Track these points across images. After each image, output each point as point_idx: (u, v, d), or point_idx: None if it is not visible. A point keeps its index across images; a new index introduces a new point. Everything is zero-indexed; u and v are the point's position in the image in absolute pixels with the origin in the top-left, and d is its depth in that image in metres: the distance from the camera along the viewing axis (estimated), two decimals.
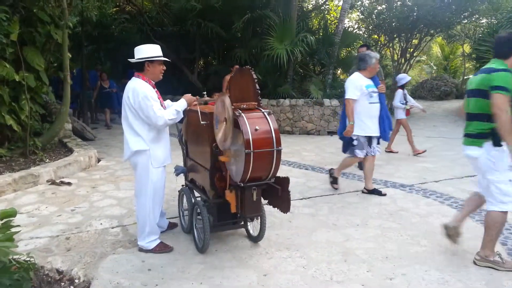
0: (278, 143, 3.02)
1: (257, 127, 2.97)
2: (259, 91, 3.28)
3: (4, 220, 2.33)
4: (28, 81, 6.08)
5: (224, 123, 3.04)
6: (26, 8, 6.16)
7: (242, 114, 3.01)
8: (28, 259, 2.51)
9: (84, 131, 9.22)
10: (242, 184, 3.05)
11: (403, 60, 14.47)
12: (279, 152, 3.03)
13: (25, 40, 6.32)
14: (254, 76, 3.27)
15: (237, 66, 3.43)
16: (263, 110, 3.14)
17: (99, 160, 7.07)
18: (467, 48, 18.82)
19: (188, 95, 3.63)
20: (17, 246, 2.52)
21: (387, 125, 5.44)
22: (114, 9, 14.99)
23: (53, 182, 5.51)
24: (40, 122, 7.22)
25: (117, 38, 13.94)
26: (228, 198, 3.18)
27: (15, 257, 2.54)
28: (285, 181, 3.21)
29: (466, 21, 14.41)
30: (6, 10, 5.45)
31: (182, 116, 3.52)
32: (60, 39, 6.66)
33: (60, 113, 7.02)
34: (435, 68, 23.03)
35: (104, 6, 13.95)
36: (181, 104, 3.51)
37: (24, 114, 6.10)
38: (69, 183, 5.55)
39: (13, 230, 2.37)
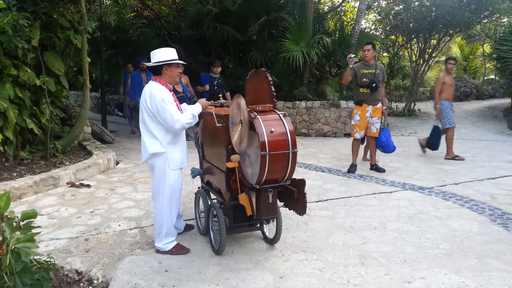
0: (294, 145, 3.01)
1: (272, 129, 2.97)
2: (275, 93, 3.28)
3: (25, 221, 2.38)
4: (49, 86, 6.21)
5: (240, 125, 3.05)
6: (47, 14, 6.29)
7: (258, 116, 3.01)
8: (48, 259, 2.56)
9: (103, 134, 9.36)
10: (257, 186, 3.05)
11: (421, 61, 14.26)
12: (294, 154, 3.03)
13: (45, 45, 6.46)
14: (270, 78, 3.27)
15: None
16: (278, 112, 3.14)
17: (117, 163, 7.16)
18: (487, 48, 18.44)
19: (203, 100, 3.68)
20: (38, 247, 2.57)
21: None
22: (132, 14, 15.23)
23: (72, 185, 5.61)
24: (60, 125, 7.35)
25: (135, 42, 14.11)
26: (242, 202, 3.18)
27: (35, 257, 2.59)
28: (301, 183, 3.20)
29: (486, 20, 14.12)
30: (28, 17, 5.58)
31: (198, 120, 3.55)
32: (80, 44, 6.78)
33: (79, 117, 7.14)
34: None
35: (122, 11, 14.19)
36: (197, 108, 3.54)
37: (45, 118, 6.23)
38: (88, 185, 5.64)
39: (33, 231, 2.42)
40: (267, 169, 2.95)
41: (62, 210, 4.68)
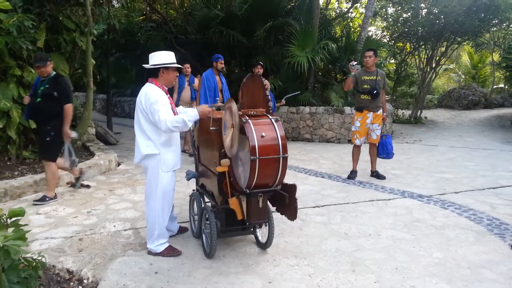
0: (285, 150, 3.01)
1: (263, 134, 2.98)
2: (269, 98, 3.30)
3: (13, 219, 2.41)
4: None
5: (232, 129, 3.06)
6: (52, 16, 6.39)
7: (249, 120, 3.02)
8: (38, 257, 2.58)
9: (107, 136, 9.45)
10: (248, 191, 3.05)
11: (428, 68, 14.18)
12: (285, 159, 3.02)
13: (51, 46, 6.56)
14: (265, 83, 3.29)
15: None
16: (270, 117, 3.14)
17: (119, 164, 7.22)
18: (496, 57, 18.27)
19: (203, 106, 3.48)
20: (27, 245, 2.60)
21: None
22: (141, 17, 15.42)
23: (72, 185, 5.65)
24: None
25: (143, 45, 14.27)
26: (232, 206, 3.19)
27: (25, 255, 2.62)
28: (293, 188, 3.20)
29: (495, 29, 14.03)
30: (33, 18, 5.68)
31: (189, 127, 3.38)
32: (85, 46, 6.87)
33: (83, 118, 7.22)
34: (463, 76, 22.48)
35: (131, 14, 14.38)
36: (192, 114, 3.37)
37: None
38: (88, 186, 5.69)
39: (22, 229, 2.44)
40: (257, 174, 2.96)
41: (60, 209, 4.73)
